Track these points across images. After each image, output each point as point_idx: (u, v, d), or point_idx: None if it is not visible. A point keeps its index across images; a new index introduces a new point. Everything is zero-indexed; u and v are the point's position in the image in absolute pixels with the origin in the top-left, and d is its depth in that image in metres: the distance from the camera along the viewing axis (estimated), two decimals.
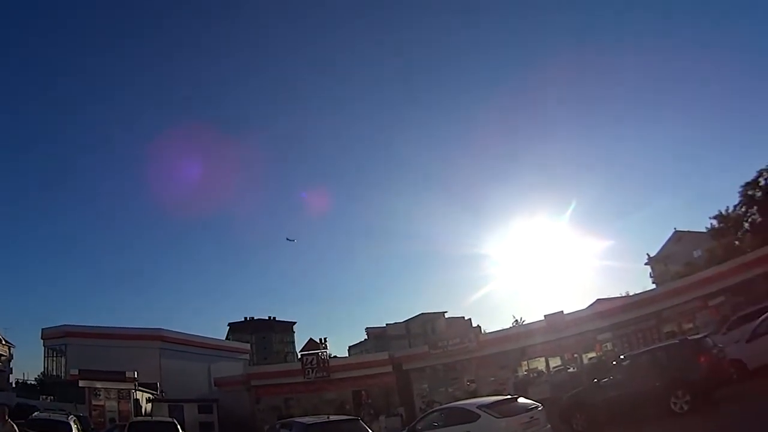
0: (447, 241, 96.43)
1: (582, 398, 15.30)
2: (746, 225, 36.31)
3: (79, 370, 31.99)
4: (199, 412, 34.08)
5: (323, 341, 35.01)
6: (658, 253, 55.28)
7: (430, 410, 15.88)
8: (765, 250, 25.09)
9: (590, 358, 28.76)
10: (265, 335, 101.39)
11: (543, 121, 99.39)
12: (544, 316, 29.88)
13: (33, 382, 42.10)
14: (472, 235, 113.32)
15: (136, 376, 33.67)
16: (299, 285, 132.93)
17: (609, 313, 28.46)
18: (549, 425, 12.18)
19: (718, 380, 12.80)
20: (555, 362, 30.39)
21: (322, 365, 33.97)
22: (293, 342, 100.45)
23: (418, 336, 70.10)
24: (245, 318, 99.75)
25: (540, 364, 30.83)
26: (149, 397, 35.18)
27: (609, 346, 28.45)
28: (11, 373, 41.91)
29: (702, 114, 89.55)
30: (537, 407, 12.03)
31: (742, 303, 22.49)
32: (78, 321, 43.92)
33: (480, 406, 11.99)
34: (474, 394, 26.21)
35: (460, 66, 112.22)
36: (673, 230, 54.50)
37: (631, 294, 37.13)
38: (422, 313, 77.68)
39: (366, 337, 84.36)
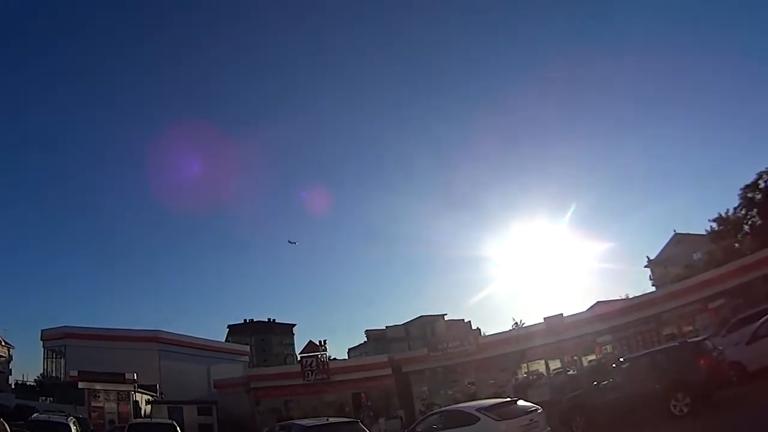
0: (447, 244, 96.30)
1: (582, 401, 15.30)
2: (746, 228, 36.26)
3: (79, 372, 31.98)
4: (199, 414, 34.12)
5: (323, 343, 35.04)
6: (657, 255, 55.16)
7: (430, 413, 15.91)
8: (765, 253, 25.09)
9: (590, 361, 28.78)
10: (264, 337, 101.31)
11: (543, 124, 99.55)
12: (544, 318, 29.91)
13: (32, 384, 42.00)
14: (471, 238, 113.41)
15: (135, 377, 33.67)
16: (299, 287, 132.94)
17: (608, 315, 28.48)
18: (548, 428, 12.18)
19: (718, 383, 12.80)
20: (555, 365, 30.40)
21: (321, 367, 33.96)
22: (293, 344, 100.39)
23: (418, 338, 70.11)
24: (245, 320, 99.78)
25: (540, 366, 30.85)
26: (149, 399, 35.20)
27: (608, 348, 28.47)
28: (11, 374, 41.94)
29: (701, 116, 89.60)
30: (536, 410, 12.02)
31: (742, 305, 22.46)
32: (77, 322, 43.98)
33: (479, 409, 11.99)
34: (473, 397, 26.15)
35: (461, 68, 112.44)
36: (673, 233, 54.40)
37: (630, 297, 37.10)
38: (422, 316, 77.71)
39: (365, 339, 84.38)
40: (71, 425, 17.35)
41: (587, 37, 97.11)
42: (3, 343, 42.41)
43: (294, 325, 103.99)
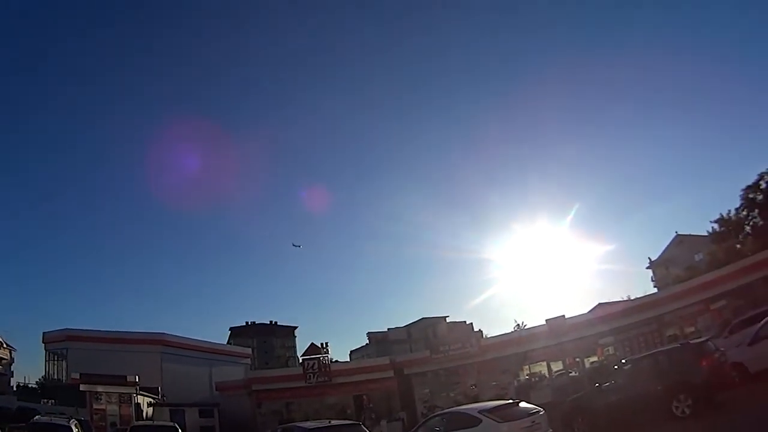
0: (448, 245, 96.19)
1: (584, 402, 15.28)
2: (747, 228, 36.28)
3: (81, 374, 31.94)
4: (201, 417, 34.11)
5: (324, 346, 35.02)
6: (659, 256, 55.16)
7: (432, 415, 15.88)
8: (766, 254, 25.06)
9: (592, 363, 28.74)
10: (266, 340, 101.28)
11: (544, 126, 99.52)
12: (546, 320, 29.88)
13: (34, 386, 41.94)
14: (473, 240, 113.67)
15: (137, 380, 33.63)
16: (301, 289, 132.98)
17: (610, 317, 28.44)
18: (550, 430, 12.19)
19: (720, 384, 12.79)
20: (557, 366, 30.36)
21: (323, 370, 33.94)
22: (294, 347, 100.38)
23: (420, 340, 70.03)
24: (246, 322, 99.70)
25: (542, 368, 30.82)
26: (150, 402, 35.15)
27: (611, 350, 28.45)
28: (12, 376, 41.83)
29: (703, 117, 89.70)
30: (538, 412, 12.02)
31: (744, 306, 22.46)
32: (79, 325, 43.76)
33: (481, 411, 11.99)
34: (475, 399, 26.16)
35: (462, 70, 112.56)
36: (675, 234, 54.38)
37: (632, 298, 37.08)
38: (424, 318, 77.74)
39: (367, 341, 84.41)
40: (73, 427, 17.37)
41: (589, 38, 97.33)
42: (5, 345, 42.37)
43: (296, 327, 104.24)
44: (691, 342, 14.90)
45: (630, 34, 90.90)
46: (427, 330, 74.26)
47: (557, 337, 28.86)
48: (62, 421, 17.65)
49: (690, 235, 50.84)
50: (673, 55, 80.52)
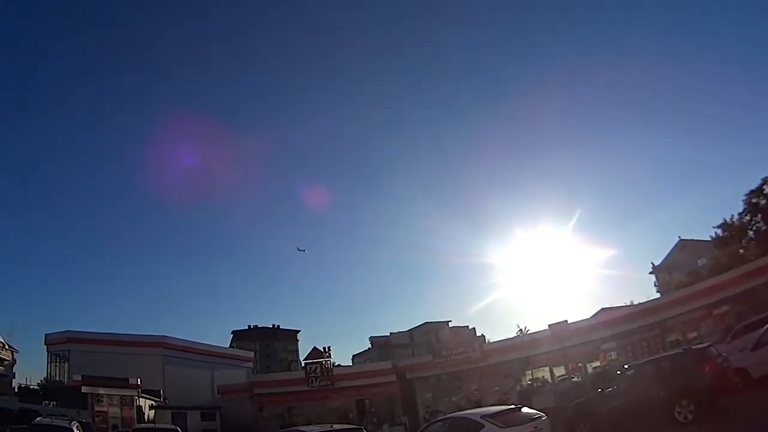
0: (451, 250, 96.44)
1: (586, 408, 15.24)
2: (750, 233, 36.17)
3: (82, 376, 32.01)
4: (202, 420, 34.11)
5: (327, 350, 35.01)
6: (662, 261, 55.10)
7: (434, 420, 15.83)
8: None
9: (594, 368, 28.65)
10: (268, 343, 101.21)
11: (546, 129, 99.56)
12: (549, 325, 29.80)
13: (36, 388, 42.06)
14: (476, 244, 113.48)
15: (139, 382, 33.69)
16: (303, 293, 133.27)
17: (613, 322, 28.37)
18: None
19: (723, 389, 12.77)
20: (559, 372, 30.26)
21: (325, 374, 33.92)
22: (297, 350, 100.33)
23: (422, 345, 69.79)
24: (249, 326, 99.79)
25: (544, 373, 30.72)
26: (152, 404, 35.20)
27: (613, 355, 28.36)
28: (14, 378, 41.90)
29: (706, 122, 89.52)
30: (541, 417, 11.97)
31: (747, 312, 22.38)
32: (81, 327, 43.79)
33: (484, 416, 11.95)
34: (478, 404, 26.12)
35: (464, 73, 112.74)
36: (678, 239, 54.31)
37: (635, 303, 37.03)
38: (426, 322, 77.45)
39: (370, 346, 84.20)
40: (74, 429, 17.41)
41: (591, 42, 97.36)
42: (7, 347, 42.49)
43: (298, 331, 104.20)
44: (693, 347, 14.87)
45: (632, 36, 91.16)
46: (430, 334, 73.90)
47: (560, 342, 28.79)
48: (64, 423, 17.70)
49: (693, 240, 50.77)
50: (676, 59, 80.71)
